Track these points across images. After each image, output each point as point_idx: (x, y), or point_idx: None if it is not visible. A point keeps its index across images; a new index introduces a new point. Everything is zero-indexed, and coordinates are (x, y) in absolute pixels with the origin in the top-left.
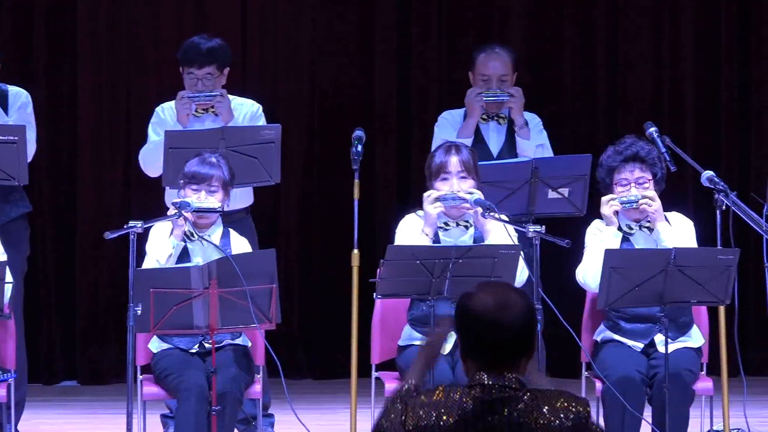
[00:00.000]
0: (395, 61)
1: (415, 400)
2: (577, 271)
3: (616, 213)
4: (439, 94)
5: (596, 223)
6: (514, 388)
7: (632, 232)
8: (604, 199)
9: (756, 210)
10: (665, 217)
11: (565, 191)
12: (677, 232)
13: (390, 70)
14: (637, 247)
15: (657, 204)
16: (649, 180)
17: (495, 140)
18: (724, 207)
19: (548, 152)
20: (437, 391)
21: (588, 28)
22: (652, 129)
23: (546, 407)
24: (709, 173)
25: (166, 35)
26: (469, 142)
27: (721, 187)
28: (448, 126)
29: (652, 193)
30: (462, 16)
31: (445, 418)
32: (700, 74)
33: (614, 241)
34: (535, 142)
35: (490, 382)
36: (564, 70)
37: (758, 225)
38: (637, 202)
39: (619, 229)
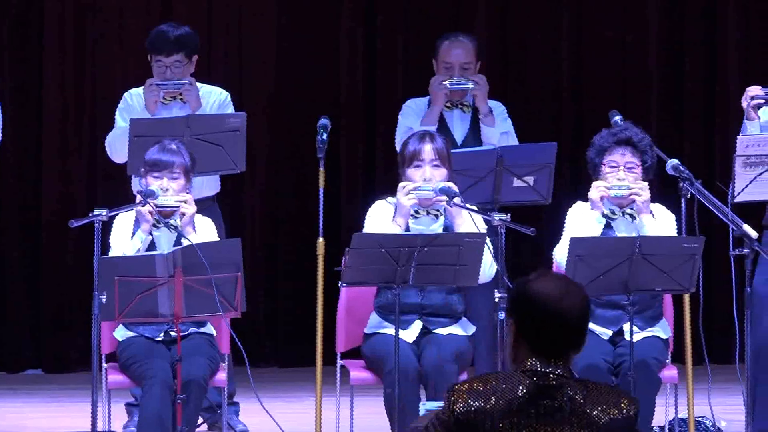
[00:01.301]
0: (361, 50)
1: (462, 386)
2: (554, 252)
3: (602, 199)
4: (404, 83)
5: (579, 205)
6: (566, 377)
7: (615, 217)
8: (595, 183)
9: (721, 198)
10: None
11: (530, 179)
12: (659, 227)
13: (355, 59)
14: (618, 233)
15: (646, 195)
16: (638, 166)
17: (459, 128)
18: (689, 195)
19: (513, 140)
20: (483, 380)
21: (553, 17)
22: (617, 117)
23: (599, 399)
24: (674, 161)
25: (131, 24)
26: (432, 129)
27: (686, 176)
28: (412, 114)
29: (642, 184)
30: (427, 5)
31: (494, 401)
32: (664, 62)
33: (595, 226)
34: (499, 130)
35: (545, 369)
36: (529, 58)
37: (723, 213)
38: (626, 196)
39: (603, 215)
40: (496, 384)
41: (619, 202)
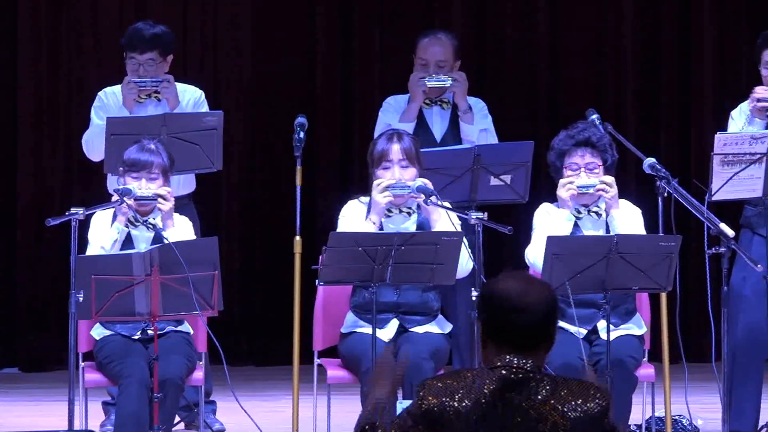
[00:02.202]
0: (337, 48)
1: (432, 382)
2: (526, 252)
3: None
4: (381, 81)
5: (545, 206)
6: (535, 372)
7: (581, 216)
8: (562, 181)
9: (698, 197)
10: None
11: (507, 178)
12: (629, 220)
13: (332, 57)
14: (584, 232)
15: (613, 191)
16: (600, 166)
17: (438, 125)
18: (665, 194)
19: (492, 137)
20: (454, 375)
21: (530, 15)
22: (594, 116)
23: (569, 393)
24: (651, 160)
25: (106, 22)
26: (411, 126)
27: (662, 174)
28: (391, 111)
29: (610, 179)
30: (404, 2)
31: (463, 397)
32: (641, 61)
33: (564, 225)
34: (479, 127)
35: (513, 363)
36: (506, 56)
37: (699, 212)
38: (595, 187)
39: (572, 213)
40: (466, 380)
41: (584, 201)
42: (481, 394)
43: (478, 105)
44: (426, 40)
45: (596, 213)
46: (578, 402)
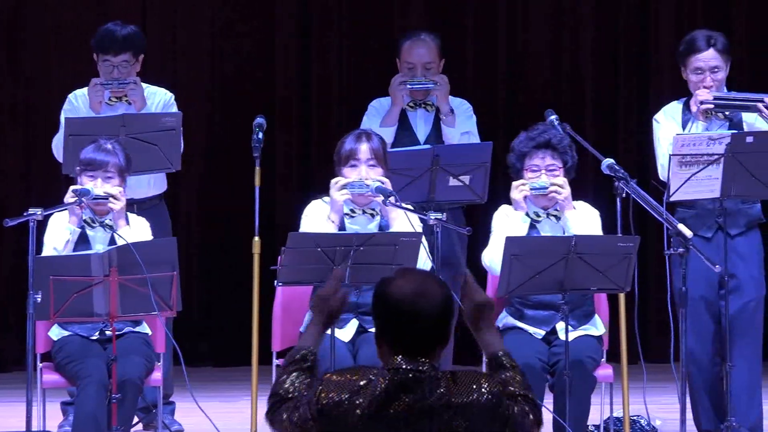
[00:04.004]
0: (296, 49)
1: (330, 378)
2: (483, 255)
3: (525, 198)
4: (339, 82)
5: (504, 208)
6: (428, 372)
7: (539, 219)
8: (514, 183)
9: (656, 198)
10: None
11: (465, 179)
12: (583, 221)
13: (291, 58)
14: (543, 234)
15: (566, 192)
16: (560, 168)
17: (422, 127)
18: (624, 195)
19: (475, 139)
20: (353, 372)
21: (489, 17)
22: (553, 117)
23: (462, 387)
24: (609, 161)
25: (67, 19)
26: (392, 130)
27: (621, 175)
28: (376, 114)
29: (562, 180)
30: (362, 4)
31: (360, 401)
32: (599, 62)
33: (521, 227)
34: (460, 130)
35: (407, 367)
36: (465, 57)
37: (658, 212)
38: (547, 188)
39: (527, 215)
40: (363, 379)
41: (543, 204)
42: (376, 393)
43: (463, 106)
44: (409, 42)
45: (555, 216)
46: (471, 396)
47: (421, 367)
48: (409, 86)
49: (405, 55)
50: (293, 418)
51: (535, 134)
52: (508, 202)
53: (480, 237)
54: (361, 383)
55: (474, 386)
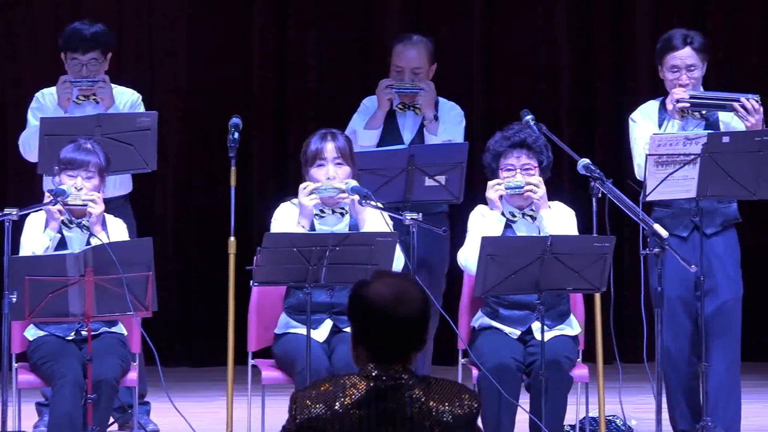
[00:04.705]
0: (272, 49)
1: (303, 393)
2: (458, 255)
3: (501, 198)
4: (316, 82)
5: (480, 208)
6: (406, 380)
7: (515, 219)
8: (490, 183)
9: (632, 198)
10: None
11: (441, 179)
12: (559, 220)
13: (267, 58)
14: (518, 234)
15: (541, 191)
16: (535, 167)
17: (409, 130)
18: (600, 195)
19: None
20: (324, 383)
21: (466, 16)
22: (529, 117)
23: (441, 396)
24: (585, 161)
25: (40, 21)
26: (376, 132)
27: (597, 175)
28: (366, 113)
29: (537, 179)
30: (339, 4)
31: (336, 406)
32: (574, 62)
33: (497, 226)
34: (443, 137)
35: (384, 373)
36: (442, 57)
37: (634, 213)
38: (522, 187)
39: (503, 214)
40: (337, 388)
41: (518, 204)
42: (353, 403)
43: (453, 111)
44: (400, 45)
45: (531, 216)
46: (448, 406)
47: (397, 375)
48: (394, 90)
49: (395, 58)
50: None
51: (511, 134)
52: (485, 202)
53: (457, 238)
54: (335, 393)
55: (456, 398)
